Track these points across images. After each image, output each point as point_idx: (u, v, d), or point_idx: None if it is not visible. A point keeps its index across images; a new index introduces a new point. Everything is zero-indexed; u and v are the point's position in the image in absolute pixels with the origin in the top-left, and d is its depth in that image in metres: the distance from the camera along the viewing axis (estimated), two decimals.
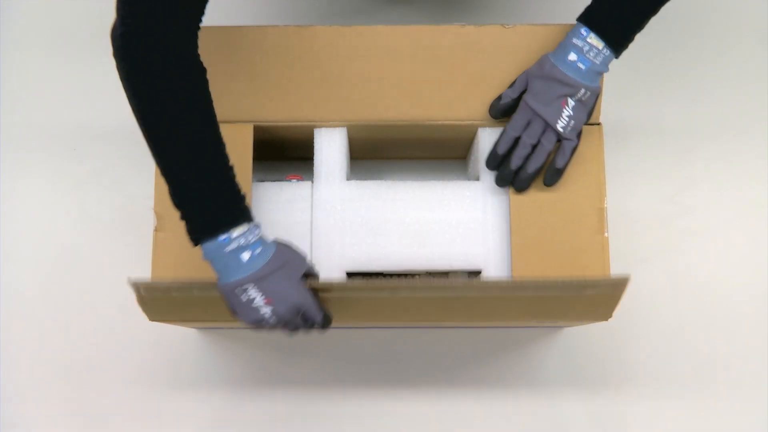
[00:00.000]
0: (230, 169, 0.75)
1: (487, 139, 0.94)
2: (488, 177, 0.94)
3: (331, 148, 0.94)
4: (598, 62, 0.83)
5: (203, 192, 0.73)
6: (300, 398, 1.10)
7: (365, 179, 0.95)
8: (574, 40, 0.84)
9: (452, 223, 0.92)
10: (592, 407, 1.10)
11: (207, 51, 0.93)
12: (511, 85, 0.90)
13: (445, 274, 1.01)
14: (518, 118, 0.88)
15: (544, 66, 0.86)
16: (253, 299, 0.73)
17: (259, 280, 0.73)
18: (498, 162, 0.90)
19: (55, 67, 1.20)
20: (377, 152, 1.07)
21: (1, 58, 1.20)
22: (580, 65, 0.83)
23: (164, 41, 0.71)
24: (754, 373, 1.10)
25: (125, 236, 1.13)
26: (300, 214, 0.92)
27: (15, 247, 1.14)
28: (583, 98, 0.85)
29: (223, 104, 0.93)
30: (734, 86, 1.18)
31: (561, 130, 0.86)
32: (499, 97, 0.91)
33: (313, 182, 0.94)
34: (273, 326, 0.76)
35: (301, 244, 0.91)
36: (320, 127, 0.94)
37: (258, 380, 1.10)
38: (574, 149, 0.87)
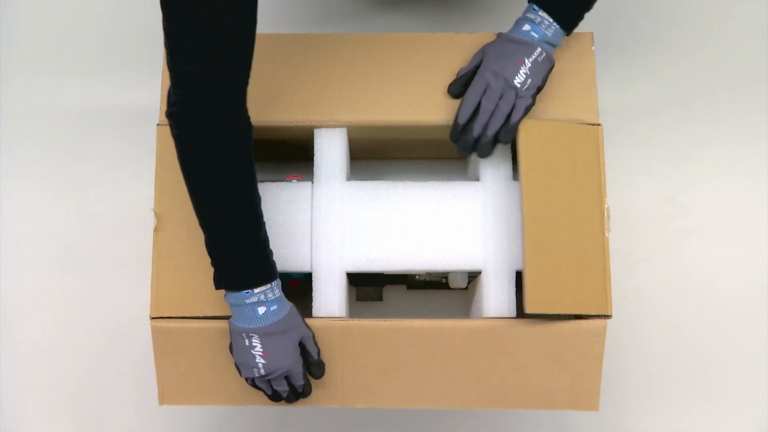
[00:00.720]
0: (262, 228, 0.81)
1: None
2: (488, 177, 0.94)
3: (331, 148, 0.94)
4: (549, 34, 0.87)
5: (235, 249, 0.79)
6: None
7: (365, 179, 0.95)
8: (527, 14, 0.88)
9: (452, 223, 0.92)
10: (594, 415, 1.10)
11: None
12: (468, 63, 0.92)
13: (444, 274, 1.02)
14: (476, 85, 0.89)
15: (499, 38, 0.90)
16: (254, 347, 0.81)
17: (264, 335, 0.81)
18: (459, 132, 0.91)
19: (55, 68, 1.20)
20: (377, 152, 1.07)
21: (2, 59, 1.20)
22: (534, 34, 0.87)
23: (215, 111, 0.76)
24: (754, 373, 1.11)
25: (125, 236, 1.13)
26: (300, 214, 0.92)
27: (15, 247, 1.14)
28: (539, 59, 0.87)
29: None
30: (734, 86, 1.18)
31: (518, 85, 0.87)
32: (456, 75, 0.92)
33: (313, 182, 0.94)
34: (260, 377, 0.83)
35: (301, 244, 0.92)
36: (320, 127, 0.94)
37: None
38: (528, 108, 0.88)
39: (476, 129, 0.89)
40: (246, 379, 0.85)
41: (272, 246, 0.83)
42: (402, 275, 1.05)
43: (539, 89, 0.89)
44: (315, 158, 0.94)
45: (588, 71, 0.94)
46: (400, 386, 0.89)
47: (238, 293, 0.80)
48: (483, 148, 0.89)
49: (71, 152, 1.17)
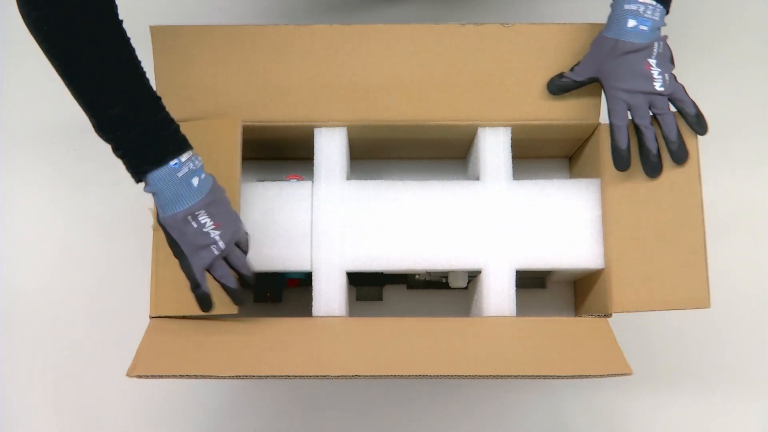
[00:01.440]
0: (159, 98, 0.74)
1: (487, 139, 0.94)
2: (488, 177, 0.94)
3: (331, 148, 0.94)
4: (657, 18, 0.82)
5: (147, 118, 0.71)
6: (301, 394, 1.10)
7: (365, 179, 0.95)
8: (626, 6, 0.82)
9: (452, 223, 0.92)
10: (592, 405, 1.10)
11: (207, 50, 0.94)
12: (572, 69, 0.89)
13: (444, 274, 1.01)
14: (616, 108, 0.86)
15: (604, 47, 0.85)
16: (204, 224, 0.75)
17: (209, 205, 0.75)
18: (626, 158, 0.87)
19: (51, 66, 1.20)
20: (377, 152, 1.07)
21: (2, 58, 1.20)
22: (643, 27, 0.82)
23: None
24: (755, 373, 1.10)
25: (125, 236, 1.13)
26: (300, 214, 0.92)
27: (15, 247, 1.14)
28: (659, 51, 0.83)
29: (223, 103, 0.93)
30: (734, 86, 1.18)
31: (662, 89, 0.84)
32: (560, 75, 0.90)
33: (313, 182, 0.94)
34: (220, 253, 0.76)
35: (301, 244, 0.92)
36: (320, 127, 0.94)
37: (258, 380, 1.10)
38: (682, 90, 0.85)
39: (652, 146, 0.86)
40: (193, 287, 0.78)
41: (272, 246, 0.83)
42: (402, 275, 1.05)
43: (673, 72, 0.85)
44: (315, 158, 0.94)
45: None
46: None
47: (165, 168, 0.72)
48: (678, 154, 0.87)
49: (71, 152, 1.17)
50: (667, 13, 0.84)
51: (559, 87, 0.90)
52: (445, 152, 1.07)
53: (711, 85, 1.18)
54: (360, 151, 1.05)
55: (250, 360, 0.83)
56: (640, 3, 0.82)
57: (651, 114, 0.86)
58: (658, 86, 0.84)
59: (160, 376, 0.80)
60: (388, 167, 1.11)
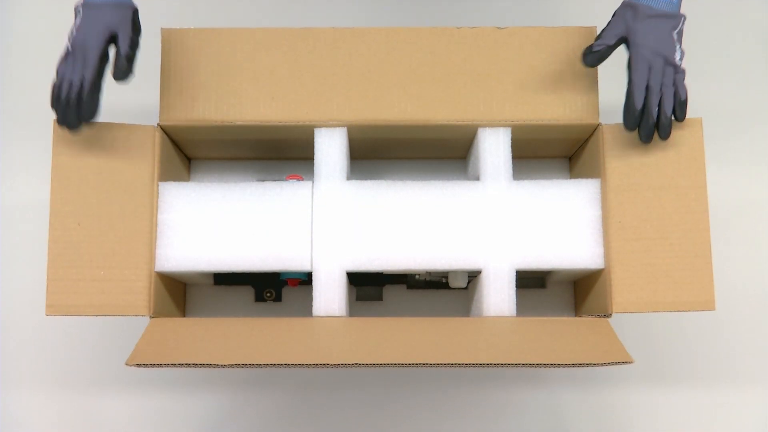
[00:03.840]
0: None
1: (487, 139, 0.94)
2: (488, 177, 0.94)
3: (331, 148, 0.94)
4: None
5: None
6: (300, 397, 1.10)
7: (365, 179, 0.95)
8: None
9: (452, 223, 0.92)
10: (591, 404, 1.10)
11: (208, 52, 0.94)
12: (600, 36, 0.88)
13: (444, 274, 1.02)
14: (640, 67, 0.86)
15: (638, 9, 0.86)
16: (75, 23, 0.82)
17: (87, 7, 0.82)
18: (637, 117, 0.87)
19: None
20: (377, 152, 1.07)
21: (2, 56, 1.20)
22: None
23: None
24: (755, 372, 1.11)
25: None
26: (300, 214, 0.92)
27: (15, 247, 1.14)
28: (683, 27, 0.86)
29: (224, 103, 0.93)
30: (734, 86, 1.18)
31: (678, 62, 0.86)
32: (591, 47, 0.89)
33: (313, 182, 0.94)
34: (66, 55, 0.83)
35: (301, 243, 0.92)
36: (320, 127, 0.94)
37: (258, 379, 1.10)
38: (685, 95, 0.87)
39: (654, 110, 0.87)
40: (55, 86, 0.84)
41: (272, 245, 0.82)
42: (402, 275, 1.05)
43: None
44: (315, 158, 0.94)
45: (588, 71, 0.94)
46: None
47: None
48: (666, 129, 0.87)
49: None
50: None
51: (595, 57, 0.89)
52: (445, 152, 1.07)
53: (711, 85, 1.18)
54: (360, 151, 1.05)
55: (249, 350, 0.83)
56: None
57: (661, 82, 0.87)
58: (677, 58, 0.86)
59: (160, 365, 0.80)
60: (388, 167, 1.12)
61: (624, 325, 1.09)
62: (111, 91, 1.19)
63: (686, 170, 0.91)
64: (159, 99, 0.94)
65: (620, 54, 0.86)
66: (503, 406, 1.10)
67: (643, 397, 1.10)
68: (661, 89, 0.87)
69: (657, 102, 0.87)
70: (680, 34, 0.86)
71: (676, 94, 0.87)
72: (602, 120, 0.94)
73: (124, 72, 0.83)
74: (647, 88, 0.87)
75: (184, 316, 1.07)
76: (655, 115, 0.87)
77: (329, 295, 0.91)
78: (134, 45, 0.84)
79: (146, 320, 0.89)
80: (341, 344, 0.84)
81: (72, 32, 0.83)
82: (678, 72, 0.87)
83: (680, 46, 0.86)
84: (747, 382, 1.10)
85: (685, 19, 0.86)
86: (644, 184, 0.90)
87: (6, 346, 1.11)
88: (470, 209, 0.93)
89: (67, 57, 0.84)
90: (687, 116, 0.88)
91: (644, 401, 1.10)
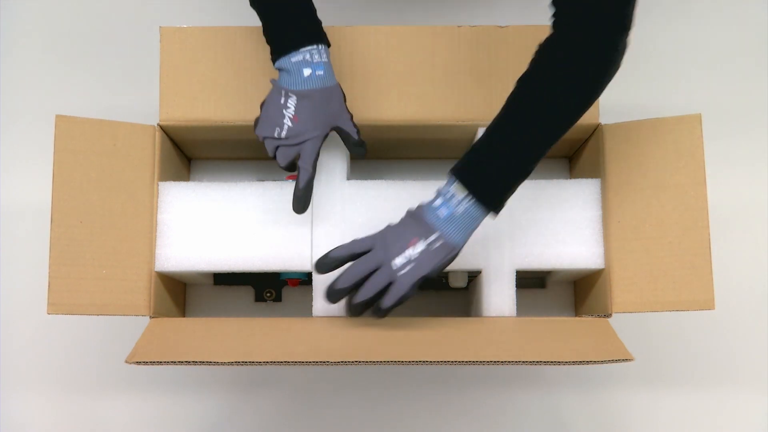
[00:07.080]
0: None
1: None
2: None
3: (331, 148, 0.94)
4: (459, 211, 0.77)
5: (280, 11, 0.82)
6: (300, 397, 1.10)
7: (365, 179, 0.95)
8: (442, 188, 0.79)
9: None
10: (591, 404, 1.10)
11: (208, 52, 0.94)
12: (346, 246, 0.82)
13: (444, 274, 1.01)
14: (367, 238, 0.81)
15: (414, 209, 0.80)
16: (287, 108, 0.82)
17: (302, 98, 0.81)
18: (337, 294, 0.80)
19: (55, 68, 1.20)
20: (377, 152, 1.07)
21: (2, 56, 1.20)
22: (443, 210, 0.77)
23: None
24: (755, 372, 1.11)
25: None
26: (300, 214, 0.92)
27: (15, 247, 1.14)
28: (433, 246, 0.77)
29: (225, 102, 0.93)
30: (734, 85, 1.18)
31: (394, 267, 0.78)
32: (327, 254, 0.81)
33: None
34: (278, 138, 0.82)
35: (301, 243, 0.92)
36: None
37: (258, 380, 1.10)
38: (403, 297, 0.79)
39: (342, 281, 0.79)
40: (258, 136, 0.84)
41: (272, 245, 0.82)
42: None
43: (426, 279, 0.78)
44: None
45: None
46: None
47: (286, 57, 0.81)
48: (352, 309, 0.80)
49: None
50: (488, 209, 0.78)
51: (328, 265, 0.81)
52: (445, 152, 1.07)
53: (711, 85, 1.18)
54: None
55: (249, 348, 0.83)
56: (450, 189, 0.78)
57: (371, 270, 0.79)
58: (396, 262, 0.78)
59: (159, 363, 0.80)
60: (388, 167, 1.12)
61: (624, 325, 1.09)
62: (111, 91, 1.19)
63: (685, 167, 0.91)
64: (159, 99, 0.94)
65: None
66: (503, 406, 1.10)
67: (643, 398, 1.10)
68: (367, 278, 0.79)
69: (354, 278, 0.79)
70: (428, 252, 0.77)
71: (382, 295, 0.79)
72: (602, 120, 0.94)
73: (361, 150, 0.88)
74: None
75: (184, 316, 1.07)
76: (343, 286, 0.79)
77: None
78: (357, 131, 0.87)
79: (146, 320, 0.89)
80: (341, 342, 0.84)
81: (282, 114, 0.83)
82: (394, 281, 0.78)
83: (413, 260, 0.77)
84: (746, 381, 1.11)
85: (441, 239, 0.77)
86: (644, 184, 0.90)
87: (6, 346, 1.11)
88: None
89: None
90: (686, 113, 0.88)
91: (644, 401, 1.10)
